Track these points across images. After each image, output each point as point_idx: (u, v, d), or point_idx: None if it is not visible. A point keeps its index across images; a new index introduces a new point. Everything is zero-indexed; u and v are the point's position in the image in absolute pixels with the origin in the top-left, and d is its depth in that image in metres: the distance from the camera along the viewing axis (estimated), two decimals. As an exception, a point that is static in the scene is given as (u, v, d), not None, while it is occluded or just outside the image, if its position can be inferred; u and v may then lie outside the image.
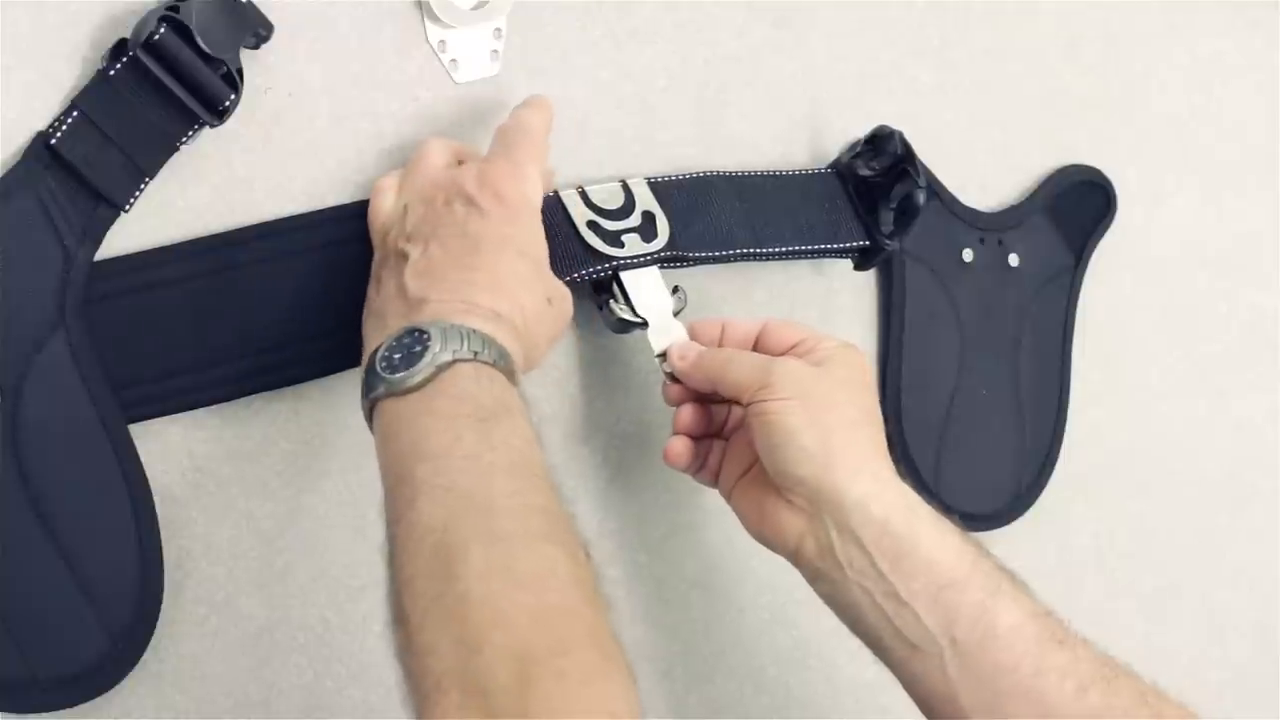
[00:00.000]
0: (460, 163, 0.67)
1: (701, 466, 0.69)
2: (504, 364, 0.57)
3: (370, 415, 0.57)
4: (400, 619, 0.50)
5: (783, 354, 0.67)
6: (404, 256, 0.61)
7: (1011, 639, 0.59)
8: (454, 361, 0.55)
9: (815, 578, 0.64)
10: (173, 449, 0.65)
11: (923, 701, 0.62)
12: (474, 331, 0.57)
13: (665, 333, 0.69)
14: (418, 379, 0.55)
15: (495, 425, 0.54)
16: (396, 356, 0.56)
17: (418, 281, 0.60)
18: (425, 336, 0.56)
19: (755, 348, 0.68)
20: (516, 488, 0.52)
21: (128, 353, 0.63)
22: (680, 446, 0.68)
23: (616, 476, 0.76)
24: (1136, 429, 0.95)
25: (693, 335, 0.69)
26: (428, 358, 0.55)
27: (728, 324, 0.69)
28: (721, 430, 0.69)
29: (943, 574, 0.60)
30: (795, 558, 0.64)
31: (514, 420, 0.55)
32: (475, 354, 0.56)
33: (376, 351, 0.57)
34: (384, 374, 0.55)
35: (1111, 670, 0.59)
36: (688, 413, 0.68)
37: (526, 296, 0.61)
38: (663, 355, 0.69)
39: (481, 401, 0.55)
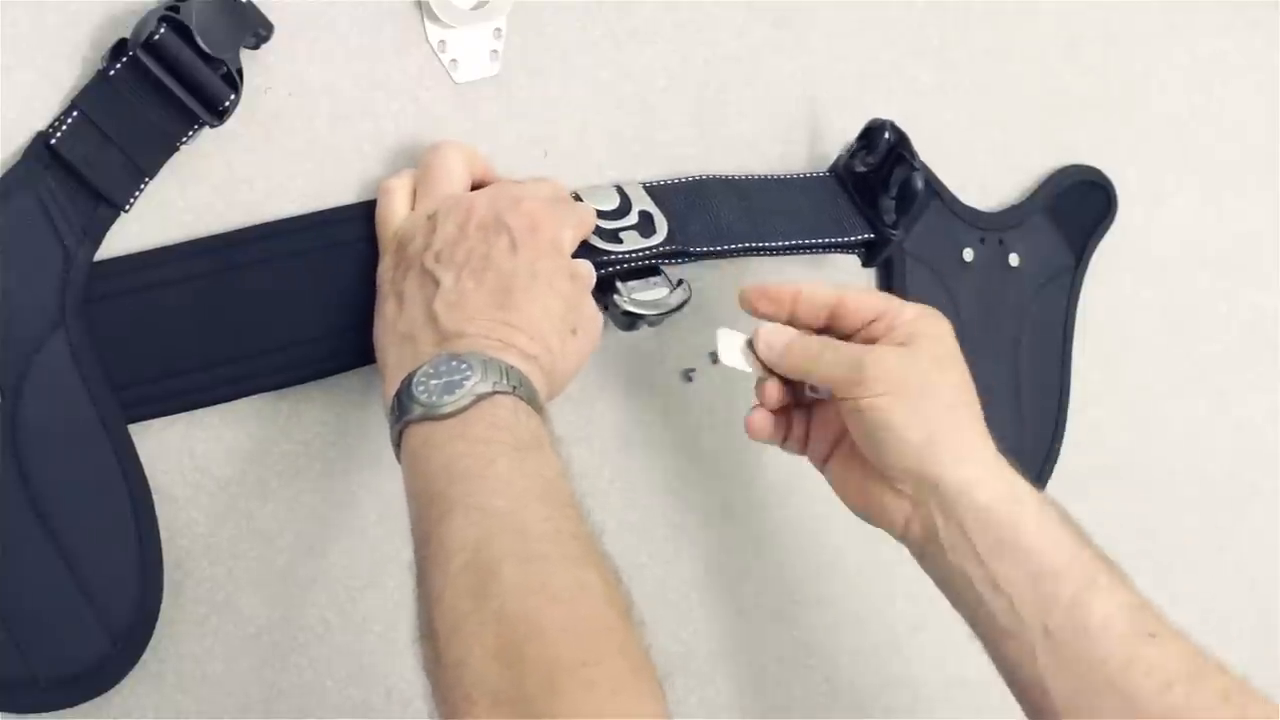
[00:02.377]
0: (474, 172, 0.67)
1: (786, 437, 0.69)
2: (535, 402, 0.58)
3: (399, 438, 0.57)
4: (429, 634, 0.50)
5: (861, 329, 0.66)
6: (434, 280, 0.61)
7: (1102, 632, 0.59)
8: (493, 393, 0.56)
9: (920, 555, 0.65)
10: (173, 449, 0.65)
11: (1011, 684, 0.63)
12: (512, 367, 0.58)
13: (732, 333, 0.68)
14: (458, 405, 0.55)
15: (529, 455, 0.55)
16: (435, 382, 0.56)
17: (451, 314, 0.60)
18: (465, 366, 0.56)
19: (830, 320, 0.67)
20: (549, 514, 0.53)
21: (128, 353, 0.62)
22: (762, 420, 0.68)
23: (617, 477, 0.76)
24: (1136, 429, 0.95)
25: (765, 300, 0.68)
26: (468, 385, 0.56)
27: (803, 291, 0.68)
28: (802, 400, 0.69)
29: (1040, 563, 0.61)
30: (901, 537, 0.65)
31: (546, 454, 0.56)
32: (514, 389, 0.57)
33: (412, 375, 0.57)
34: (421, 397, 0.56)
35: (1199, 667, 0.59)
36: (773, 387, 0.68)
37: (554, 337, 0.62)
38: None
39: (517, 433, 0.56)
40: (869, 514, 0.66)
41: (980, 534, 0.61)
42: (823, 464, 0.69)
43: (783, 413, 0.69)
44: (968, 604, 0.63)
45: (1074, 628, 0.60)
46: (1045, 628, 0.60)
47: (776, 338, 0.67)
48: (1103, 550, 0.62)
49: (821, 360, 0.65)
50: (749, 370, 0.68)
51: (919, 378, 0.63)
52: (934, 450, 0.62)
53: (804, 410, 0.69)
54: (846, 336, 0.67)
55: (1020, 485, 0.63)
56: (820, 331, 0.68)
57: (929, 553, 0.64)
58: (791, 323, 0.68)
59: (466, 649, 0.48)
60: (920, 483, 0.63)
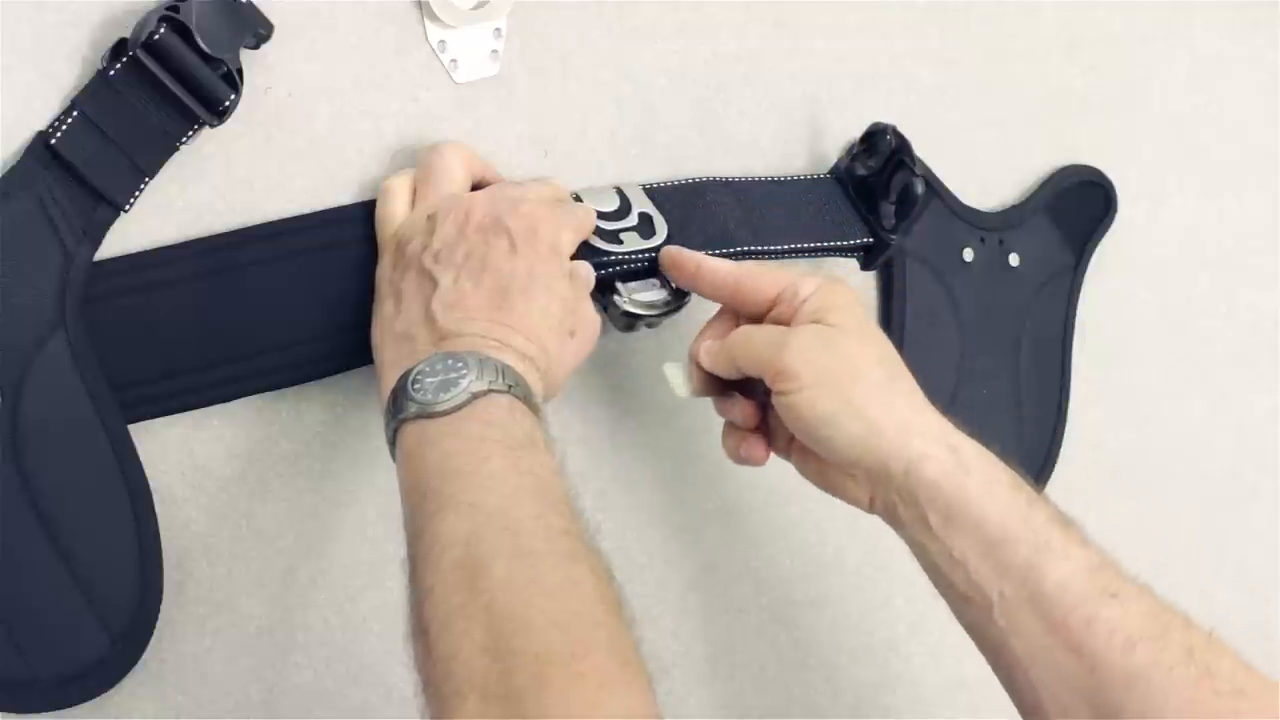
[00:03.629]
0: (474, 172, 0.67)
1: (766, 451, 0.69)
2: (531, 402, 0.58)
3: (394, 436, 0.58)
4: (420, 629, 0.50)
5: (767, 312, 0.66)
6: (432, 280, 0.61)
7: (1058, 595, 0.59)
8: (489, 391, 0.56)
9: (892, 527, 0.65)
10: (173, 449, 0.65)
11: (979, 644, 0.63)
12: (508, 367, 0.58)
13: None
14: (453, 403, 0.55)
15: (523, 454, 0.55)
16: (430, 380, 0.56)
17: (448, 314, 0.60)
18: (461, 365, 0.57)
19: (734, 305, 0.68)
20: (541, 511, 0.53)
21: (128, 353, 0.63)
22: (760, 447, 0.68)
23: (616, 477, 0.76)
24: (1136, 429, 0.95)
25: (672, 265, 0.69)
26: (464, 384, 0.56)
27: (703, 264, 0.68)
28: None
29: (990, 532, 0.60)
30: (869, 512, 0.66)
31: (540, 453, 0.56)
32: (509, 387, 0.57)
33: (409, 373, 0.57)
34: (417, 395, 0.56)
35: (1164, 624, 0.58)
36: (745, 405, 0.68)
37: (551, 338, 0.62)
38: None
39: (511, 431, 0.56)
40: (835, 494, 0.67)
41: (931, 508, 0.62)
42: (787, 455, 0.69)
43: (752, 430, 0.69)
44: (930, 571, 0.64)
45: (1029, 593, 0.59)
46: (1002, 594, 0.60)
47: (706, 347, 0.67)
48: (1059, 511, 0.62)
49: (751, 341, 0.65)
50: (698, 392, 0.69)
51: (842, 360, 0.63)
52: (876, 438, 0.62)
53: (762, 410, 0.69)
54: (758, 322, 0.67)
55: (966, 452, 0.62)
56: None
57: (894, 526, 0.64)
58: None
59: (456, 644, 0.48)
60: (870, 468, 0.63)
